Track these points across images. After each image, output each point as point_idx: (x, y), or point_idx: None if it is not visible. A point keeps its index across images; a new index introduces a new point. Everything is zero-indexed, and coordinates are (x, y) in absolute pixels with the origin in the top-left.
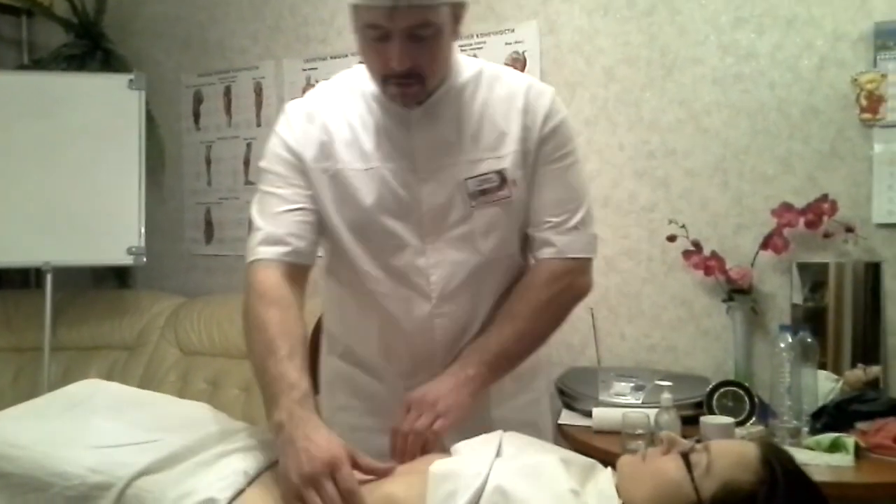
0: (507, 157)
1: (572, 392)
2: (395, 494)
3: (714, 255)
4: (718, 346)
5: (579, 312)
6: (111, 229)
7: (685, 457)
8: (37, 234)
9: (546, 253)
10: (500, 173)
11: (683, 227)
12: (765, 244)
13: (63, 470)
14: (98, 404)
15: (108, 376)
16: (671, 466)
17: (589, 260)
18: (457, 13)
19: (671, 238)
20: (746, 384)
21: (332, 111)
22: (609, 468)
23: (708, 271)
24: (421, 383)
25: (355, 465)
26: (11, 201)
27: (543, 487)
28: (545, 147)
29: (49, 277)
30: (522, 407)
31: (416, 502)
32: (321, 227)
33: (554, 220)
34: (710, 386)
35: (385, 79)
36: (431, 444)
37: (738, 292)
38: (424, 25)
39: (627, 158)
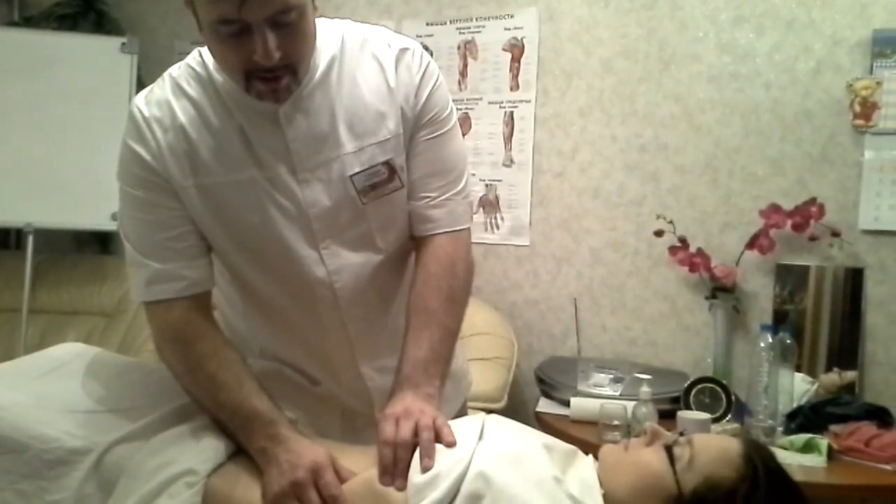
0: (389, 143)
1: (551, 381)
2: (376, 478)
3: (700, 251)
4: (698, 343)
5: (562, 302)
6: (96, 194)
7: (668, 449)
8: (20, 195)
9: (430, 229)
10: (388, 164)
11: (671, 222)
12: (751, 244)
13: (41, 432)
14: (78, 368)
15: (86, 342)
16: (654, 458)
17: (468, 230)
18: None
19: (658, 233)
20: (724, 381)
21: (186, 113)
22: (590, 455)
23: (693, 268)
24: (348, 384)
25: (337, 472)
26: None
27: (526, 473)
28: (421, 119)
29: (31, 239)
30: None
31: None
32: (208, 244)
33: (433, 195)
34: (688, 381)
35: (248, 75)
36: (428, 447)
37: (721, 290)
38: (285, 10)
39: (619, 151)
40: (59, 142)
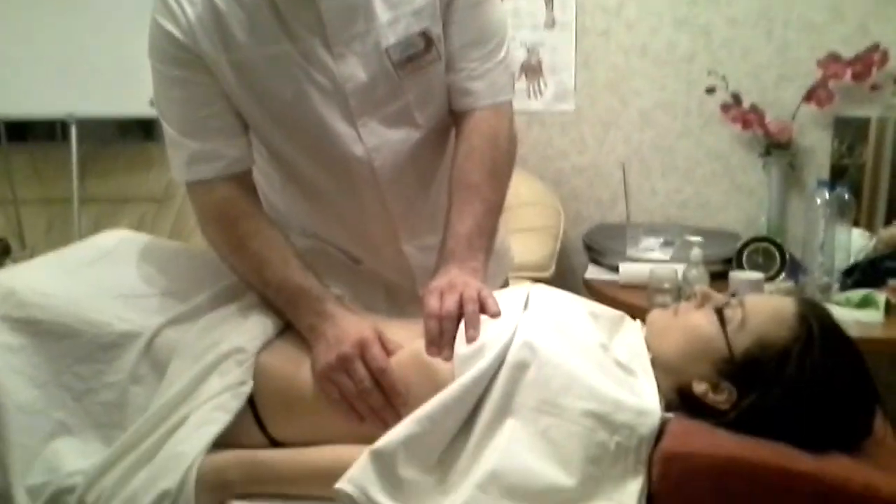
0: (425, 11)
1: (599, 247)
2: (422, 350)
3: (753, 108)
4: (752, 202)
5: (610, 168)
6: (132, 80)
7: (719, 311)
8: (60, 86)
9: (471, 102)
10: (424, 34)
11: (724, 78)
12: (808, 97)
13: (92, 318)
14: (125, 254)
15: (138, 228)
16: (704, 321)
17: (511, 102)
18: None
19: (710, 90)
20: (778, 240)
21: None
22: (638, 321)
23: (746, 125)
24: (390, 262)
25: (384, 346)
26: (33, 52)
27: (572, 341)
28: None
29: (73, 129)
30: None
31: None
32: (245, 122)
33: (472, 66)
34: (741, 241)
35: None
36: (473, 318)
37: (776, 147)
38: None
39: (668, 4)
40: (94, 30)
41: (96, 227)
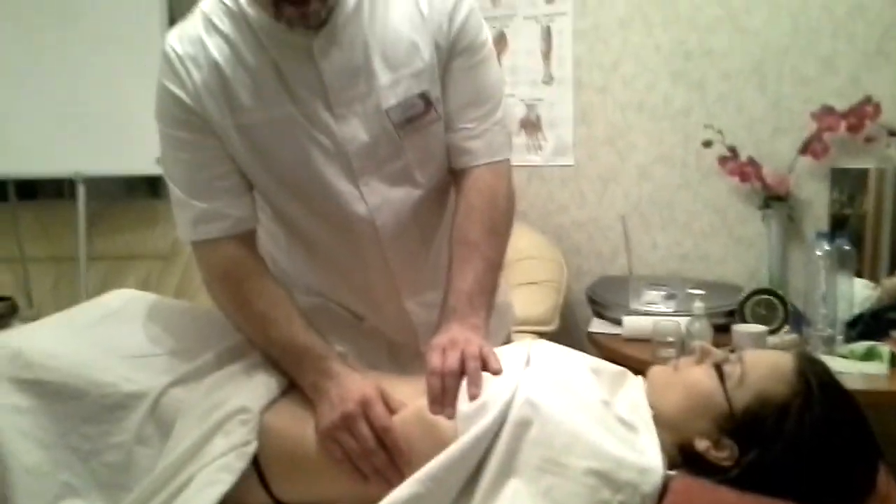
0: (425, 74)
1: (603, 301)
2: (425, 408)
3: (750, 160)
4: (752, 255)
5: (610, 221)
6: (138, 138)
7: (718, 367)
8: (67, 144)
9: (469, 161)
10: (423, 96)
11: (720, 131)
12: (804, 149)
13: (98, 378)
14: (130, 314)
15: (145, 285)
16: (704, 376)
17: (509, 160)
18: None
19: (707, 143)
20: (780, 292)
21: (220, 50)
22: (639, 377)
23: (744, 178)
24: (392, 319)
25: (387, 404)
26: (42, 111)
27: (574, 398)
28: (456, 48)
29: (80, 188)
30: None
31: None
32: (250, 182)
33: (471, 126)
34: (744, 294)
35: (277, 1)
36: (475, 375)
37: (774, 199)
38: None
39: (663, 60)
40: (97, 87)
41: (103, 285)
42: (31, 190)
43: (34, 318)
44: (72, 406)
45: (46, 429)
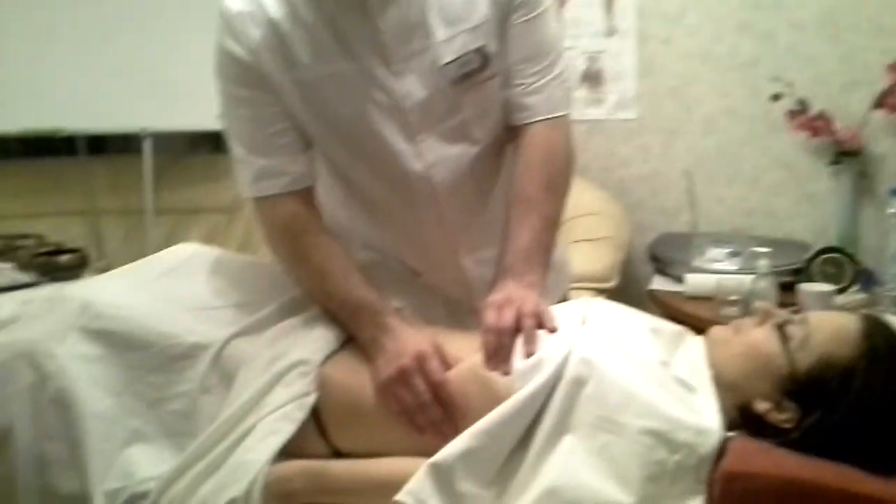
0: (482, 29)
1: (665, 257)
2: (480, 365)
3: (821, 114)
4: (821, 212)
5: (673, 176)
6: (200, 94)
7: (781, 328)
8: (134, 101)
9: (527, 117)
10: (480, 51)
11: (789, 84)
12: (878, 103)
13: (163, 330)
14: (193, 268)
15: (210, 238)
16: (765, 338)
17: (568, 116)
18: None
19: (775, 97)
20: (849, 251)
21: (275, 4)
22: (699, 336)
23: (814, 132)
24: (449, 275)
25: (442, 359)
26: (109, 69)
27: (630, 357)
28: (514, 1)
29: (146, 143)
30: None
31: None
32: (308, 139)
33: (529, 81)
34: (811, 252)
35: None
36: (530, 333)
37: (845, 154)
38: None
39: (730, 9)
40: (162, 46)
41: (169, 238)
42: (100, 145)
43: (105, 270)
44: (139, 355)
45: (115, 377)
